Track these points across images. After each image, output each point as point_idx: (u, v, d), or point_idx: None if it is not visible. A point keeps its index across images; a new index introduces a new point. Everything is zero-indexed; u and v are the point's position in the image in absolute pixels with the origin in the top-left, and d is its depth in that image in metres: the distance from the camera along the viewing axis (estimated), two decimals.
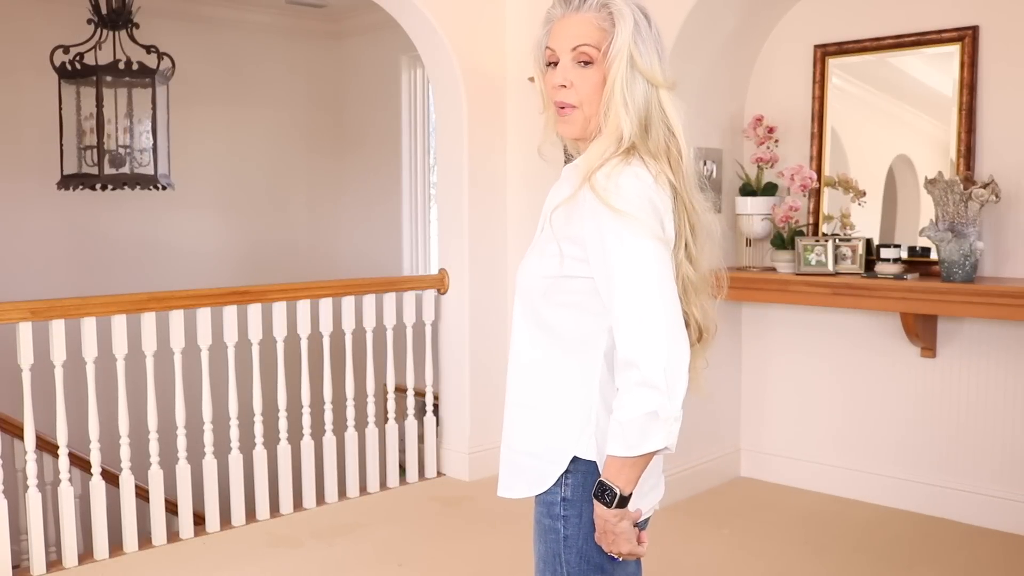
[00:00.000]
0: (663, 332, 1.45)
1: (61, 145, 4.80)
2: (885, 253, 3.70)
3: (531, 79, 1.76)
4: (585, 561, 1.60)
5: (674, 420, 1.47)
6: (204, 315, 3.75)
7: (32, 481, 3.33)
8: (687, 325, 1.57)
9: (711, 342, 1.69)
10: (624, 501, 1.50)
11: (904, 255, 3.74)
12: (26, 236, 5.44)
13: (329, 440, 4.13)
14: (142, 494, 3.70)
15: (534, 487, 1.62)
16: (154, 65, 4.72)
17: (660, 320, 1.45)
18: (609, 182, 1.49)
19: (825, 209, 4.03)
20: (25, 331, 3.29)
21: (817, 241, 3.84)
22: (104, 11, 4.68)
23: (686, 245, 1.58)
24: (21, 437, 3.66)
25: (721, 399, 4.32)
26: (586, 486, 1.59)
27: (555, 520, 1.62)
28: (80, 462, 3.96)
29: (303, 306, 4.02)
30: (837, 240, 3.81)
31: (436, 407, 4.54)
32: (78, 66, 4.63)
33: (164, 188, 4.90)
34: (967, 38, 3.65)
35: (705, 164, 4.03)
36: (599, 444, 1.56)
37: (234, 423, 3.91)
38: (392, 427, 4.40)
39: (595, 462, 1.57)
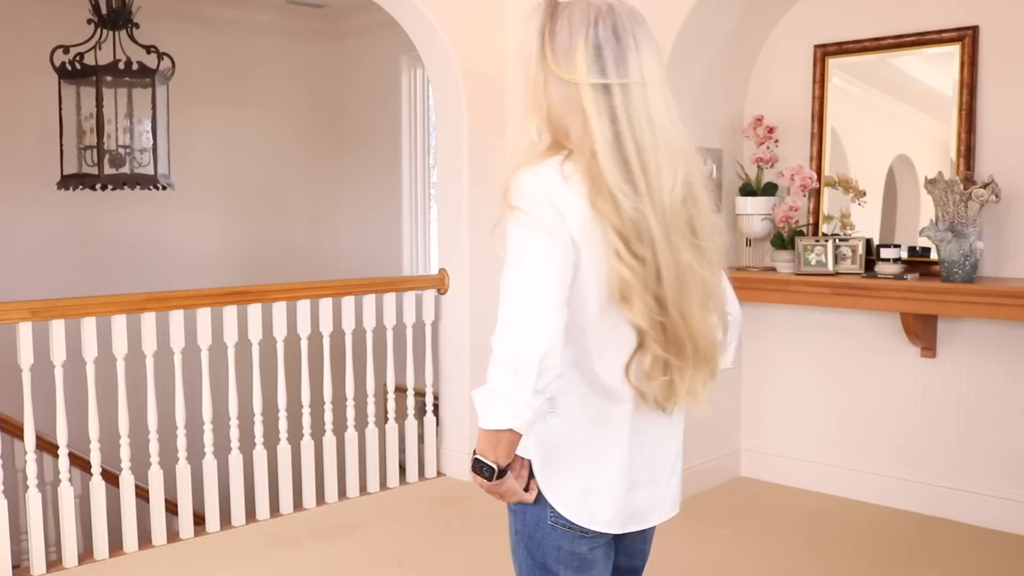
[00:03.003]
0: (516, 318, 1.47)
1: (61, 145, 4.80)
2: (885, 253, 3.70)
3: None
4: (532, 557, 1.65)
5: (522, 405, 1.46)
6: (204, 315, 3.75)
7: (32, 481, 3.33)
8: (643, 331, 1.51)
9: (713, 357, 1.58)
10: (502, 473, 1.55)
11: (904, 255, 3.74)
12: (26, 236, 5.44)
13: (329, 440, 4.13)
14: (142, 494, 3.70)
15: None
16: (154, 65, 4.71)
17: (516, 307, 1.47)
18: (513, 182, 1.50)
19: (825, 209, 4.03)
20: (25, 331, 3.29)
21: (817, 241, 3.84)
22: (104, 11, 4.68)
23: (624, 246, 1.47)
24: (21, 437, 3.66)
25: (721, 399, 4.29)
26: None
27: (510, 513, 1.69)
28: (80, 462, 3.96)
29: (303, 306, 4.02)
30: (837, 240, 3.81)
31: (436, 407, 4.54)
32: (78, 66, 4.63)
33: (164, 188, 4.90)
34: (967, 38, 3.65)
35: (705, 164, 4.02)
36: (527, 442, 1.59)
37: (234, 423, 3.91)
38: (392, 427, 4.40)
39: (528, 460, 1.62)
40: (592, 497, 1.61)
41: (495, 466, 1.53)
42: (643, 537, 1.77)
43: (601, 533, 1.63)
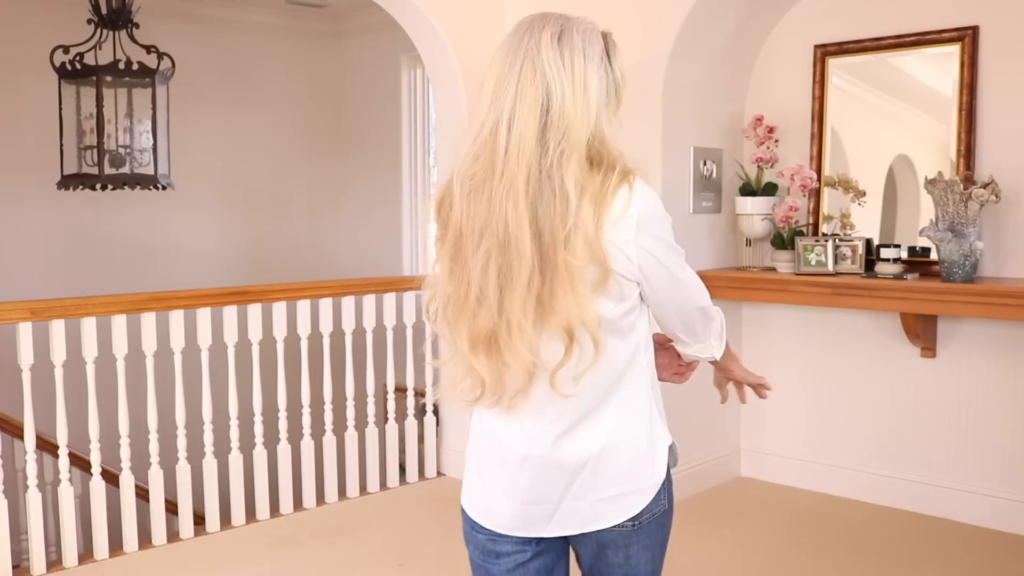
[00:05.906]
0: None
1: (61, 145, 4.80)
2: (885, 253, 3.70)
3: None
4: None
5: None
6: (204, 315, 3.75)
7: (32, 481, 3.34)
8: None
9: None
10: None
11: (904, 255, 3.74)
12: (26, 236, 5.44)
13: (329, 440, 4.13)
14: (142, 494, 3.70)
15: None
16: (154, 65, 4.72)
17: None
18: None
19: (825, 209, 4.03)
20: (25, 331, 3.29)
21: (817, 241, 3.84)
22: (104, 11, 4.69)
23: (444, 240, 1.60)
24: (21, 437, 3.66)
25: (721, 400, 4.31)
26: None
27: None
28: (80, 462, 3.96)
29: (303, 306, 4.02)
30: (837, 240, 3.81)
31: (436, 407, 4.54)
32: (78, 66, 4.64)
33: (164, 188, 4.90)
34: (967, 38, 3.65)
35: (705, 164, 4.02)
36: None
37: (234, 423, 3.91)
38: (392, 427, 4.40)
39: None
40: (467, 484, 1.67)
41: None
42: (600, 554, 1.62)
43: (495, 530, 1.62)
